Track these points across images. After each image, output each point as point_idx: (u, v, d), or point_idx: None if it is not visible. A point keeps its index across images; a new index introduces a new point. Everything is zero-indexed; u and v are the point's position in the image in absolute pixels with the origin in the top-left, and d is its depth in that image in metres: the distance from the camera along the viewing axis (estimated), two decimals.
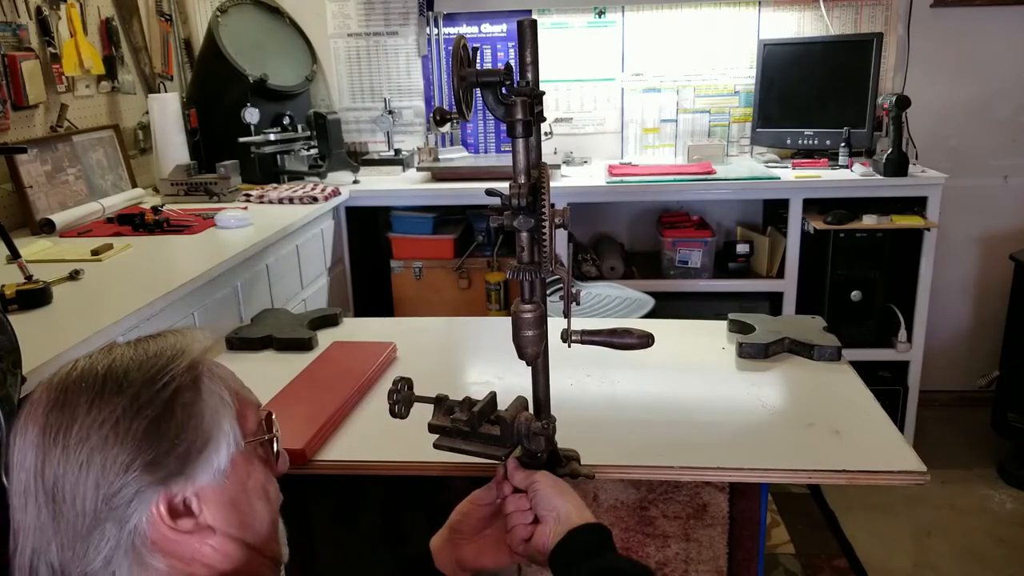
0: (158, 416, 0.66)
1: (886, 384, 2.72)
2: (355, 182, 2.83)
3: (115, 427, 0.64)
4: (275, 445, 0.78)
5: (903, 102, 2.57)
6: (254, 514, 0.73)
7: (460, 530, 0.99)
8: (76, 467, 0.64)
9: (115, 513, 0.64)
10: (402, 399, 1.01)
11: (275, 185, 2.72)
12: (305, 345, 1.52)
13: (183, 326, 0.75)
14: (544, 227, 0.88)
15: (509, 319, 0.93)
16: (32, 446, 0.65)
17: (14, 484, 0.67)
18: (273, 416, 0.79)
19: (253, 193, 2.57)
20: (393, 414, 1.03)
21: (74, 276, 1.70)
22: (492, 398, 1.01)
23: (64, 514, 0.64)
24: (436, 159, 2.95)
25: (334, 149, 2.92)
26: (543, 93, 0.92)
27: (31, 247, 1.95)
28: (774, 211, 2.91)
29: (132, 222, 2.18)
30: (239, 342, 1.55)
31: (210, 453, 0.69)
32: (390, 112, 3.07)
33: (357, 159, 3.06)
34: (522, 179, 0.89)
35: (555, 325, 0.95)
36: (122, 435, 0.64)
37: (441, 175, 2.84)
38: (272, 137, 2.76)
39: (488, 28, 3.08)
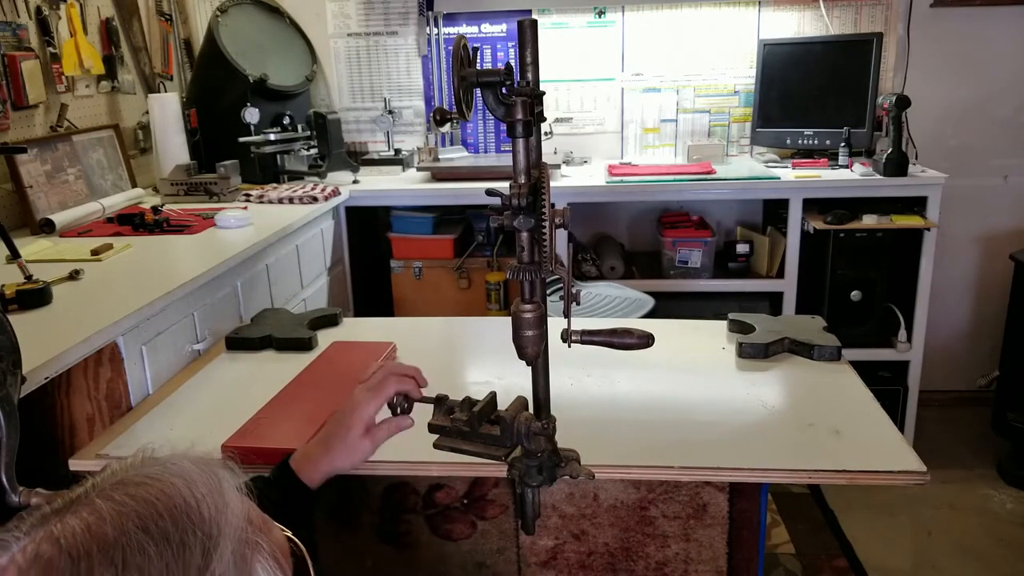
0: None
1: (886, 384, 2.72)
2: (355, 182, 2.83)
3: None
4: None
5: (903, 102, 2.57)
6: None
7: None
8: None
9: None
10: (402, 399, 1.02)
11: (275, 185, 2.71)
12: (305, 345, 1.52)
13: (177, 462, 0.57)
14: (544, 227, 0.88)
15: (509, 319, 0.93)
16: None
17: None
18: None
19: (253, 193, 2.57)
20: (394, 414, 1.03)
21: (74, 276, 1.70)
22: (492, 398, 1.01)
23: None
24: (436, 159, 2.95)
25: (334, 149, 2.91)
26: (543, 93, 0.92)
27: (31, 247, 1.95)
28: (774, 211, 2.91)
29: (132, 222, 2.18)
30: (239, 342, 1.56)
31: None
32: (390, 112, 3.07)
33: (357, 159, 3.05)
34: (522, 179, 0.89)
35: (555, 325, 0.95)
36: None
37: (441, 175, 2.84)
38: (272, 137, 2.76)
39: (488, 28, 3.08)
